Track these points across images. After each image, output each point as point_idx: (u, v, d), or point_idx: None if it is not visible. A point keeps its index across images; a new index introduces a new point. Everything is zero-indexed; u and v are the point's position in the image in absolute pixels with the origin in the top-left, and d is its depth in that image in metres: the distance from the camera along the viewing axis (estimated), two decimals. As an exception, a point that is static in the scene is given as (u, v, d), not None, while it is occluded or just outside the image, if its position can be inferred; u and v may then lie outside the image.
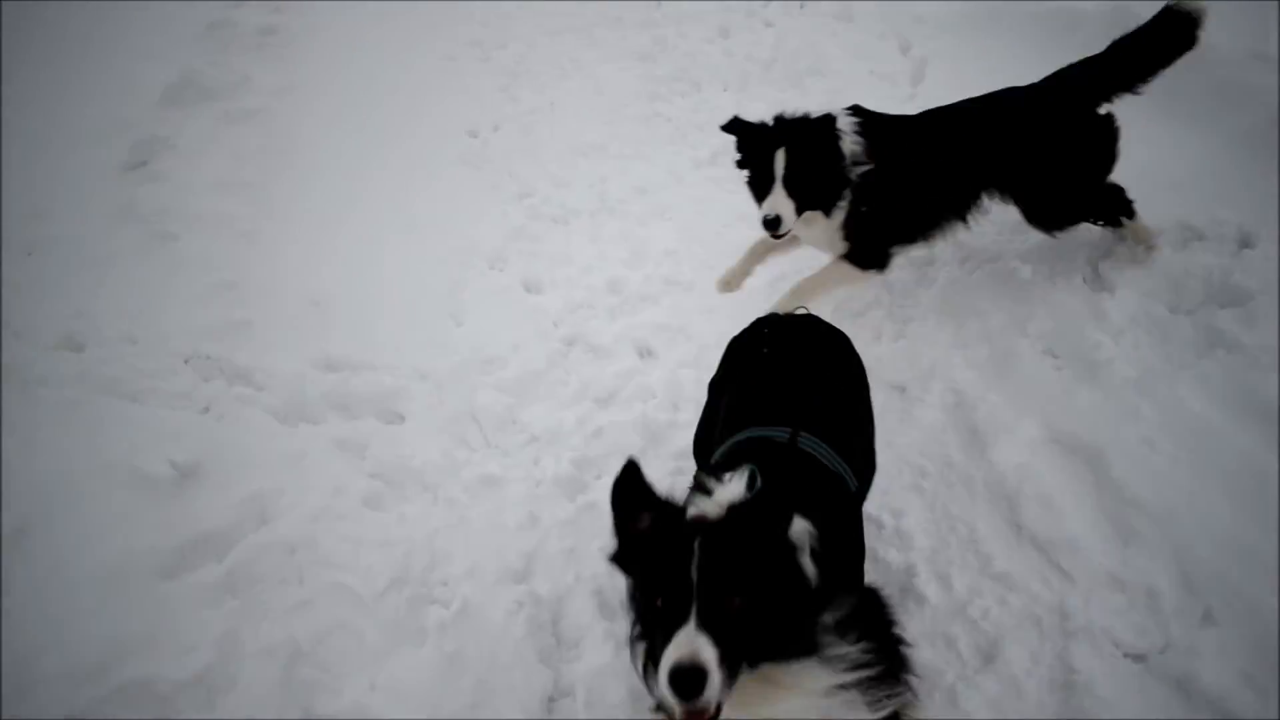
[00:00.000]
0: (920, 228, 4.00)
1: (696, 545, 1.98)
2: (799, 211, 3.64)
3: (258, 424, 3.81)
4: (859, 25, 6.70)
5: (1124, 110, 3.82)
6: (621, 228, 5.14)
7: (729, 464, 2.39)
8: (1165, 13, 3.78)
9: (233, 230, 4.99)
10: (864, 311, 4.22)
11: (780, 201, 3.58)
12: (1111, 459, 3.15)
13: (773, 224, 3.60)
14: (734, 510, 2.12)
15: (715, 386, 3.13)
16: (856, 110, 3.90)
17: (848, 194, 3.74)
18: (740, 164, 3.79)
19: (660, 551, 2.06)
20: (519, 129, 6.01)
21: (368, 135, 5.96)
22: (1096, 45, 3.97)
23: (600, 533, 3.08)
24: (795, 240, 4.05)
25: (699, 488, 2.32)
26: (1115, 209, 3.90)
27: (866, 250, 3.97)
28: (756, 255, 4.12)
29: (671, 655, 1.87)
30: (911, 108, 5.43)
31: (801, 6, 7.25)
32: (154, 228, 4.97)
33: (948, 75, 5.74)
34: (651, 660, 2.06)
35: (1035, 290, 3.93)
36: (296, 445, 3.68)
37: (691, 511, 2.16)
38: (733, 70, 6.20)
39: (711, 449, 2.80)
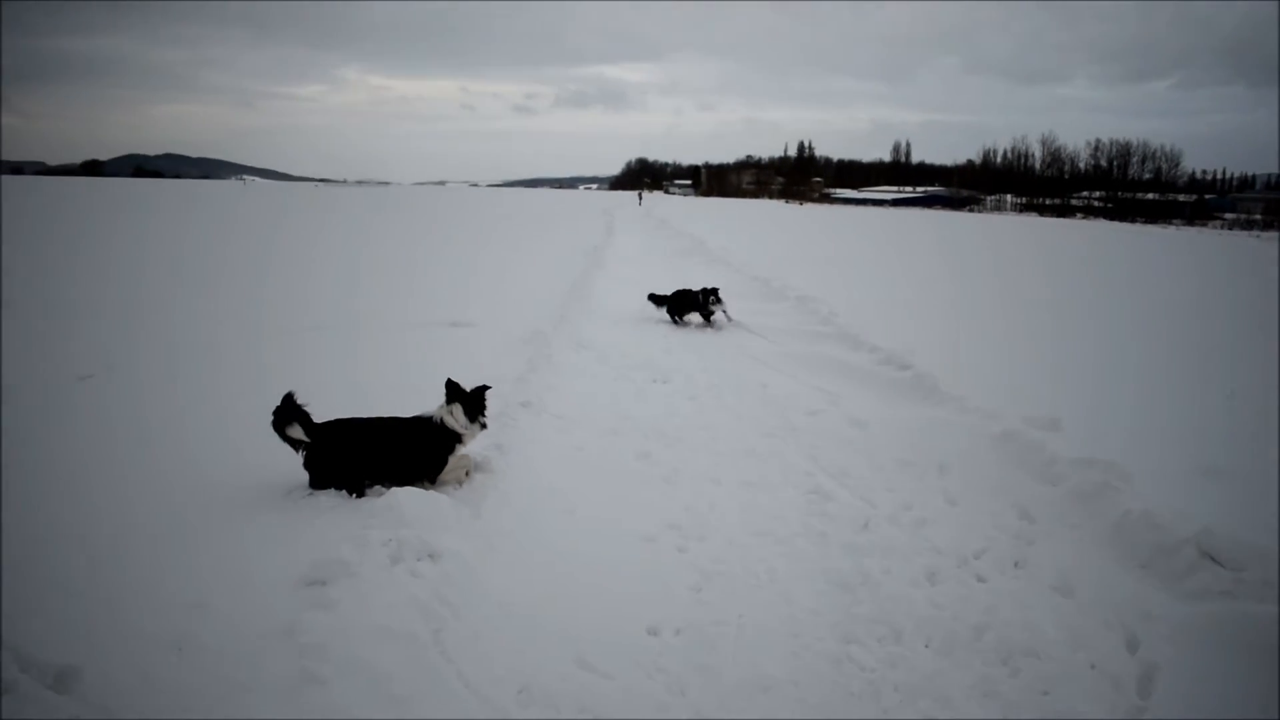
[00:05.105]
0: None
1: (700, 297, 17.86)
2: None
3: None
4: (1080, 603, 6.22)
5: None
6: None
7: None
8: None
9: (381, 692, 4.62)
10: None
11: None
12: None
13: None
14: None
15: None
16: None
17: None
18: None
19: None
20: (701, 639, 5.72)
21: (547, 617, 5.84)
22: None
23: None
24: None
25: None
26: None
27: None
28: None
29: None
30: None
31: (1016, 564, 6.94)
32: (304, 664, 4.68)
33: (1183, 695, 5.09)
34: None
35: None
36: None
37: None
38: (938, 628, 5.80)
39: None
